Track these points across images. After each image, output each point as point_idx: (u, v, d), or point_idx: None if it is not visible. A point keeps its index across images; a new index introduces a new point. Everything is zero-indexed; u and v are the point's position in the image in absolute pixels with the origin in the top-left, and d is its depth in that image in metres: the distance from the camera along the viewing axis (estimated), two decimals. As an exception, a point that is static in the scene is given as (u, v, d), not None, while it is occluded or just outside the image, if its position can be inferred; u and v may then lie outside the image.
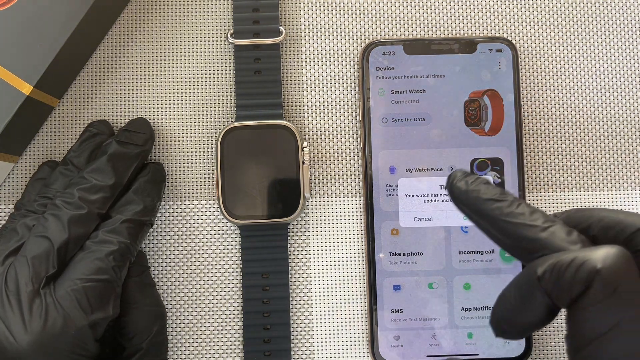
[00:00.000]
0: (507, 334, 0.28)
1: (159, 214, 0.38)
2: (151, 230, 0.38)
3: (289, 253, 0.39)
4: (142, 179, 0.36)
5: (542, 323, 0.27)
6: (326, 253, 0.39)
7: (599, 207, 0.39)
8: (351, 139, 0.39)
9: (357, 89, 0.39)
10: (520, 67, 0.40)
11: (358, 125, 0.39)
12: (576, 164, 0.40)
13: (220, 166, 0.37)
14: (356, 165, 0.39)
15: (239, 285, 0.38)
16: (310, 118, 0.39)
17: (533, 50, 0.40)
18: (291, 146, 0.38)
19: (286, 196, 0.37)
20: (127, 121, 0.38)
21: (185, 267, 0.38)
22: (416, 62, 0.38)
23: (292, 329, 0.38)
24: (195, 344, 0.38)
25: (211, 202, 0.39)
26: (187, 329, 0.38)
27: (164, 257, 0.38)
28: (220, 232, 0.39)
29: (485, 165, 0.38)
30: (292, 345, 0.38)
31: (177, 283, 0.38)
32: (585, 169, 0.40)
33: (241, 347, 0.38)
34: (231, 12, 0.39)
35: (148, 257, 0.38)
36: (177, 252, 0.38)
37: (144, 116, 0.39)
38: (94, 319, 0.31)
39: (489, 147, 0.38)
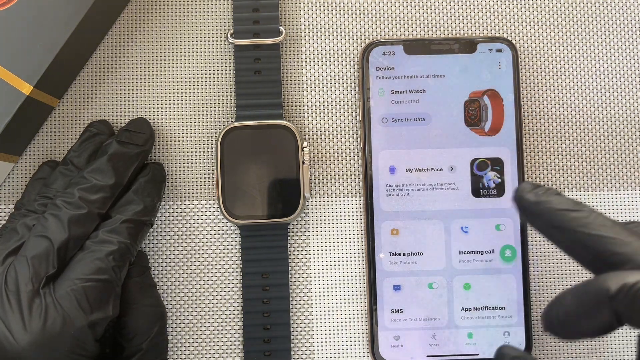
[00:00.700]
0: (557, 334, 0.27)
1: (159, 214, 0.38)
2: (151, 230, 0.38)
3: (289, 253, 0.39)
4: (142, 179, 0.36)
5: (598, 334, 0.26)
6: (326, 253, 0.39)
7: (614, 208, 0.38)
8: (351, 139, 0.39)
9: (357, 89, 0.39)
10: (520, 67, 0.40)
11: (358, 125, 0.39)
12: (576, 164, 0.40)
13: (220, 166, 0.37)
14: (356, 165, 0.39)
15: (239, 285, 0.38)
16: (310, 118, 0.39)
17: (533, 50, 0.40)
18: (291, 146, 0.38)
19: (286, 196, 0.37)
20: (127, 121, 0.38)
21: (185, 267, 0.38)
22: (416, 62, 0.38)
23: (292, 329, 0.38)
24: (195, 344, 0.38)
25: (211, 202, 0.39)
26: (187, 329, 0.38)
27: (164, 257, 0.38)
28: (220, 232, 0.39)
29: (485, 165, 0.38)
30: (292, 345, 0.38)
31: (177, 283, 0.38)
32: (585, 169, 0.40)
33: (241, 347, 0.38)
34: (231, 12, 0.39)
35: (148, 257, 0.38)
36: (177, 252, 0.38)
37: (144, 116, 0.39)
38: (93, 319, 0.31)
39: (489, 147, 0.38)
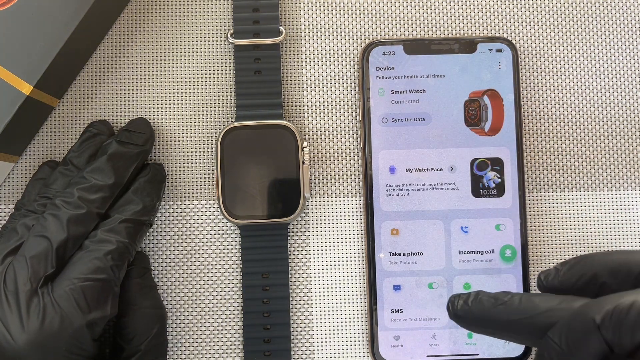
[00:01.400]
0: None
1: (159, 214, 0.38)
2: (151, 230, 0.38)
3: (289, 253, 0.39)
4: (142, 179, 0.36)
5: None
6: (326, 253, 0.39)
7: (602, 250, 0.35)
8: (351, 139, 0.39)
9: (357, 89, 0.39)
10: (520, 67, 0.40)
11: (358, 125, 0.39)
12: (576, 164, 0.40)
13: (220, 166, 0.37)
14: (356, 165, 0.39)
15: (239, 285, 0.38)
16: (310, 118, 0.39)
17: (533, 50, 0.40)
18: (291, 146, 0.38)
19: (286, 196, 0.37)
20: (127, 121, 0.38)
21: (185, 267, 0.38)
22: (416, 62, 0.38)
23: (292, 329, 0.38)
24: (195, 344, 0.38)
25: (211, 202, 0.39)
26: (187, 329, 0.38)
27: (164, 257, 0.38)
28: (220, 232, 0.39)
29: (485, 165, 0.38)
30: (292, 345, 0.38)
31: (177, 283, 0.38)
32: (585, 169, 0.40)
33: (241, 347, 0.38)
34: (231, 12, 0.39)
35: (148, 257, 0.38)
36: (177, 252, 0.38)
37: (144, 116, 0.39)
38: (91, 318, 0.31)
39: (489, 147, 0.38)
